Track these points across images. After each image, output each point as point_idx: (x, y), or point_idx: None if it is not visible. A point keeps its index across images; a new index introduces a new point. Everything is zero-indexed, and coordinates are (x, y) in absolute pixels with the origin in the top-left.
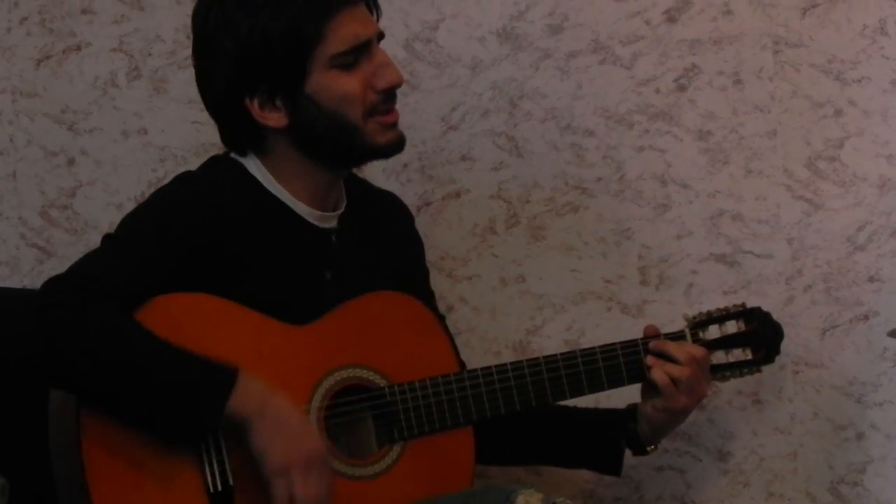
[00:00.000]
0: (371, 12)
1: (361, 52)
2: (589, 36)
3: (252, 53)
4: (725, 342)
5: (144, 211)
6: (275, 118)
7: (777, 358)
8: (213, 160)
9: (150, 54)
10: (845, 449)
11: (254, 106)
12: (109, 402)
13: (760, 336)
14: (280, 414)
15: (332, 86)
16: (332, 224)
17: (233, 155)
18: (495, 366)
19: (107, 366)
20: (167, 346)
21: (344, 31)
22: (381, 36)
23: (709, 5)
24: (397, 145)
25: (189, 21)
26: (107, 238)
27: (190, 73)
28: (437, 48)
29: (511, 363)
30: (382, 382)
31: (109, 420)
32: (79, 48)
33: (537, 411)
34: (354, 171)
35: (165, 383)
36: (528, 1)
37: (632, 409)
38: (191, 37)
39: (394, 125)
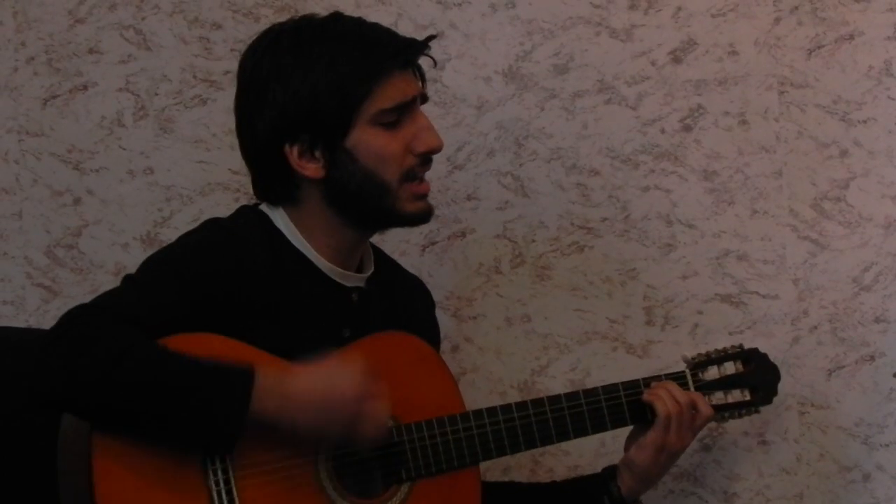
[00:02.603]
0: (416, 78)
1: (405, 110)
2: (594, 76)
3: (300, 103)
4: (724, 383)
5: (167, 253)
6: (311, 168)
7: (776, 399)
8: (242, 210)
9: (156, 94)
10: (851, 490)
11: (292, 153)
12: (127, 420)
13: (757, 377)
14: (303, 395)
15: (373, 143)
16: (355, 283)
17: (261, 207)
18: (500, 406)
19: (125, 380)
20: (181, 355)
21: (391, 90)
22: (424, 98)
23: (714, 46)
24: (425, 215)
25: (195, 61)
26: (127, 278)
27: (196, 112)
28: (442, 88)
29: (516, 403)
30: (389, 422)
31: (120, 450)
32: (85, 88)
33: (507, 491)
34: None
35: (186, 393)
36: (534, 41)
37: (610, 469)
38: (197, 76)
39: (425, 195)
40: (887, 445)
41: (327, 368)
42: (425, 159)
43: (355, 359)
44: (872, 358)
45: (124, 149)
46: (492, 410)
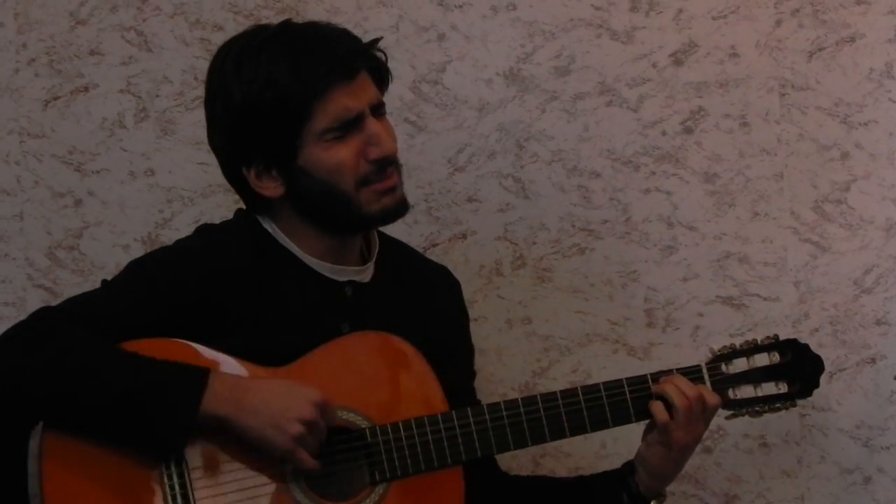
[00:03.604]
0: (379, 81)
1: (351, 126)
2: (595, 78)
3: (243, 125)
4: (754, 375)
5: (145, 260)
6: (271, 188)
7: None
8: (236, 213)
9: (157, 95)
10: (852, 493)
11: (251, 175)
12: (79, 419)
13: (797, 368)
14: (256, 400)
15: (324, 157)
16: (349, 277)
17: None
18: (487, 405)
19: (71, 375)
20: (134, 356)
21: (333, 107)
22: (379, 106)
23: (715, 48)
24: (394, 211)
25: (196, 63)
26: (104, 282)
27: (197, 114)
28: (443, 90)
29: (504, 401)
30: (364, 423)
31: (70, 453)
32: (86, 89)
33: (532, 485)
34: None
35: (135, 391)
36: (535, 43)
37: (629, 464)
38: (199, 78)
39: (390, 190)
40: (888, 448)
41: (284, 386)
42: (380, 165)
43: (311, 383)
44: (873, 360)
45: (125, 150)
46: (477, 409)
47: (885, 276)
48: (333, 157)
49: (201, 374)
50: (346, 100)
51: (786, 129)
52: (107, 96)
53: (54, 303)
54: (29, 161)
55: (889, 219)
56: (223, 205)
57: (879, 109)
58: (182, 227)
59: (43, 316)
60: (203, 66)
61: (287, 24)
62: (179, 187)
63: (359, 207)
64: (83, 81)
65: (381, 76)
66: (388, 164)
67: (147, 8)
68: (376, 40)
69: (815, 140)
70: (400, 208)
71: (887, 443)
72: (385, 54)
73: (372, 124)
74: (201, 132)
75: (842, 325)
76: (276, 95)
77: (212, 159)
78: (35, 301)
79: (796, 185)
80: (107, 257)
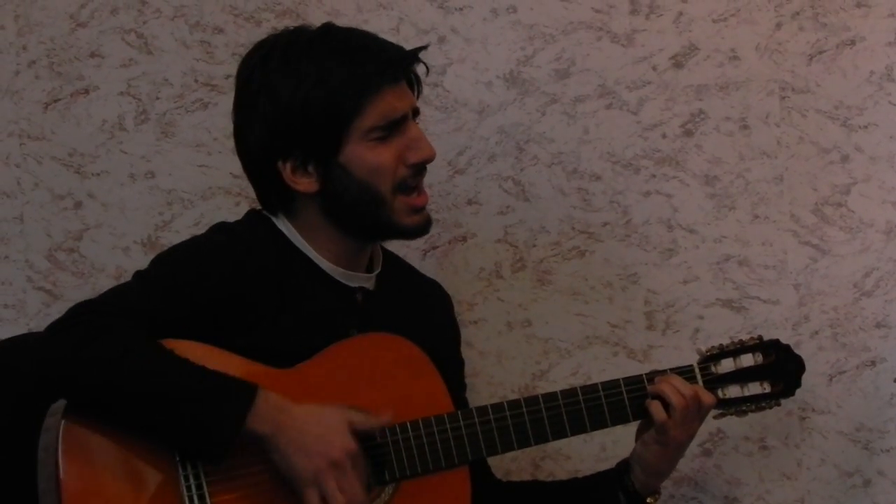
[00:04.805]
0: (412, 89)
1: (396, 126)
2: (596, 81)
3: (290, 120)
4: (741, 375)
5: (174, 255)
6: (305, 183)
7: (797, 392)
8: (249, 213)
9: (157, 98)
10: (852, 496)
11: (286, 169)
12: (123, 415)
13: (780, 369)
14: (297, 425)
15: (366, 156)
16: (360, 283)
17: (265, 211)
18: (491, 405)
19: (129, 373)
20: (186, 361)
21: (382, 106)
22: (416, 111)
23: (715, 51)
24: (422, 228)
25: (196, 65)
26: (136, 276)
27: (197, 116)
28: (444, 92)
29: (508, 401)
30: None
31: (88, 447)
32: (87, 91)
33: (528, 489)
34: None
35: (184, 400)
36: (535, 46)
37: (624, 463)
38: (199, 80)
39: (422, 208)
40: (888, 451)
41: (326, 417)
42: (418, 169)
43: (321, 383)
44: (873, 363)
45: (125, 153)
46: (482, 409)
47: (885, 279)
48: (376, 158)
49: (250, 392)
50: (394, 100)
51: (786, 132)
52: (107, 98)
53: (54, 305)
54: (29, 163)
55: (889, 222)
56: (223, 207)
57: (879, 112)
58: (182, 230)
59: (90, 309)
60: (203, 68)
61: (331, 26)
62: (179, 190)
63: (390, 213)
64: (83, 84)
65: (416, 85)
66: (424, 169)
67: (147, 10)
68: (423, 48)
69: (815, 143)
70: (428, 227)
71: (887, 445)
72: (426, 66)
73: (414, 128)
74: (201, 134)
75: (842, 327)
76: (329, 90)
77: (212, 161)
78: (35, 303)
79: (796, 188)
80: (107, 260)
